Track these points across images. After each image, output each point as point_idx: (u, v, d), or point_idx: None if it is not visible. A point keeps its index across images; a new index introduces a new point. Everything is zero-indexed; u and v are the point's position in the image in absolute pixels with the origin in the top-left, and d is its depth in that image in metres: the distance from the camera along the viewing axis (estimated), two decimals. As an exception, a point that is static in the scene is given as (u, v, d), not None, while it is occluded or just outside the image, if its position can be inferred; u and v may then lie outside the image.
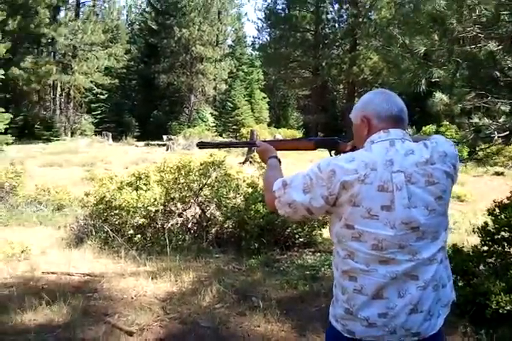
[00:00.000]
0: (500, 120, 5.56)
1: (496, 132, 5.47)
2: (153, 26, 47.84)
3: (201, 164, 7.09)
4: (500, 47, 5.07)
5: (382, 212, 1.74)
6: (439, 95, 5.70)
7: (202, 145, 2.66)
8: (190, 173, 6.99)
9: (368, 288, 1.76)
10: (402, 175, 1.75)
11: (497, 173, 17.89)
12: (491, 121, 5.58)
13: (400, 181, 1.75)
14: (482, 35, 5.20)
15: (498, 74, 5.05)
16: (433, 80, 5.51)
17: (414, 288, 1.76)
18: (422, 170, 1.78)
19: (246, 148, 21.57)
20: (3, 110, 24.43)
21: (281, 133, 42.45)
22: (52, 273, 5.42)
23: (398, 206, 1.74)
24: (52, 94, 41.10)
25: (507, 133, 5.50)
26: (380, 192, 1.74)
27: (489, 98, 5.39)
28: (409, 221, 1.75)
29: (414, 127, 5.91)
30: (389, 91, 2.02)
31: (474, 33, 5.17)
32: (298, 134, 42.11)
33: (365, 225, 1.75)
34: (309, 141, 2.47)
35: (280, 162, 2.29)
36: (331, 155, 2.25)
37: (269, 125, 47.16)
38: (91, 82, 40.38)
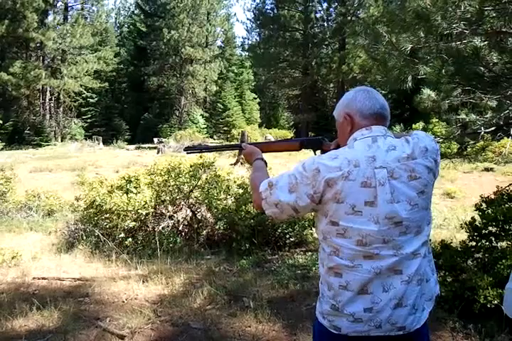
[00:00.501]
0: (487, 115, 5.59)
1: (482, 128, 5.49)
2: (142, 28, 47.84)
3: (191, 166, 7.08)
4: (485, 42, 5.09)
5: (365, 207, 1.76)
6: (426, 92, 5.73)
7: (188, 149, 2.68)
8: (181, 175, 6.97)
9: (353, 284, 1.78)
10: (385, 170, 1.78)
11: (486, 169, 17.97)
12: (478, 117, 5.61)
13: (383, 177, 1.77)
14: (467, 32, 5.21)
15: (482, 69, 5.07)
16: (420, 77, 5.53)
17: (399, 282, 1.78)
18: (403, 165, 1.80)
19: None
20: (-7, 116, 24.32)
21: (272, 134, 42.57)
22: (43, 278, 5.39)
23: (381, 201, 1.76)
24: (41, 98, 40.99)
25: (494, 128, 5.52)
26: (363, 188, 1.76)
27: (476, 94, 5.42)
28: (392, 216, 1.77)
29: (401, 124, 5.92)
30: (371, 89, 2.03)
31: (459, 30, 5.18)
32: (289, 134, 42.16)
33: (350, 221, 1.77)
34: (294, 142, 2.51)
35: (266, 164, 2.35)
36: (315, 155, 2.25)
37: (260, 125, 47.19)
38: (80, 85, 40.33)
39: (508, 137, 6.35)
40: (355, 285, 1.78)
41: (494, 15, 5.07)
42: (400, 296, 1.77)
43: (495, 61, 5.17)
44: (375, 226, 1.76)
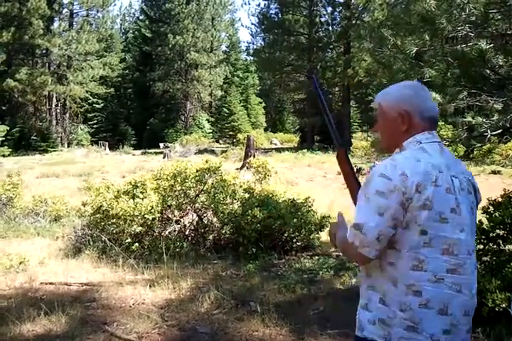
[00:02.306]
0: (494, 118, 5.57)
1: (489, 130, 5.47)
2: (147, 34, 48.05)
3: (197, 170, 7.08)
4: (490, 45, 5.08)
5: (451, 214, 1.69)
6: (432, 95, 5.72)
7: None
8: (187, 180, 6.97)
9: (433, 302, 1.67)
10: (458, 180, 1.75)
11: (494, 172, 17.92)
12: (484, 120, 5.59)
13: (457, 186, 1.74)
14: (472, 34, 5.20)
15: (488, 72, 5.06)
16: (425, 80, 5.52)
17: (472, 303, 1.76)
18: (465, 178, 1.79)
19: (243, 154, 21.63)
20: (-1, 122, 24.46)
21: (278, 138, 42.65)
22: (51, 283, 5.40)
23: (463, 209, 1.73)
24: (47, 104, 41.20)
25: (500, 131, 5.50)
26: (448, 195, 1.70)
27: (482, 96, 5.40)
28: (470, 226, 1.75)
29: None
30: (426, 88, 1.92)
31: (465, 32, 5.18)
32: (294, 138, 42.26)
33: (438, 229, 1.67)
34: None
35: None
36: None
37: (265, 130, 47.41)
38: (86, 91, 40.55)
39: (515, 140, 6.33)
40: (437, 303, 1.66)
41: (499, 17, 5.07)
42: (470, 319, 1.74)
43: (500, 64, 5.16)
44: (462, 235, 1.70)
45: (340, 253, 6.72)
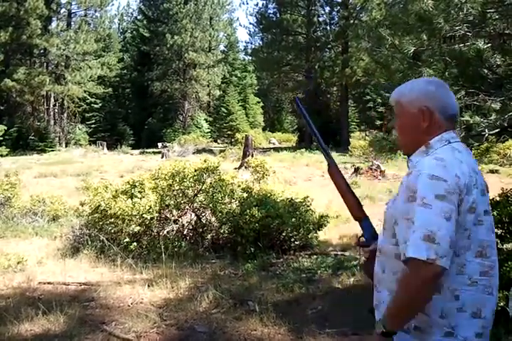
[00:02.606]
0: (491, 117, 5.58)
1: (486, 130, 5.48)
2: (145, 34, 47.98)
3: (195, 170, 7.08)
4: (488, 45, 5.09)
5: (485, 217, 1.66)
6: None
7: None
8: (185, 180, 6.97)
9: (468, 305, 1.63)
10: (483, 182, 1.73)
11: (491, 171, 17.93)
12: (482, 119, 5.60)
13: (483, 187, 1.72)
14: (470, 34, 5.21)
15: (486, 71, 5.07)
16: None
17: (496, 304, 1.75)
18: (483, 179, 1.75)
19: (241, 153, 21.63)
20: (-3, 122, 24.43)
21: (276, 138, 42.65)
22: (49, 283, 5.40)
23: (489, 210, 1.71)
24: (45, 104, 41.14)
25: (498, 130, 5.51)
26: (483, 197, 1.67)
27: (480, 96, 5.41)
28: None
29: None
30: (446, 84, 1.85)
31: (462, 32, 5.18)
32: (293, 138, 42.27)
33: (476, 232, 1.63)
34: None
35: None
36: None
37: (263, 129, 47.39)
38: (84, 91, 40.48)
39: (513, 139, 6.34)
40: (471, 306, 1.63)
41: (497, 17, 5.07)
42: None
43: (498, 63, 5.16)
44: (492, 236, 1.69)
45: (339, 253, 6.73)
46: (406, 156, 1.86)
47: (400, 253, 1.62)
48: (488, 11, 5.01)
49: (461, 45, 5.25)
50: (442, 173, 1.57)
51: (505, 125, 5.35)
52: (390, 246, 1.72)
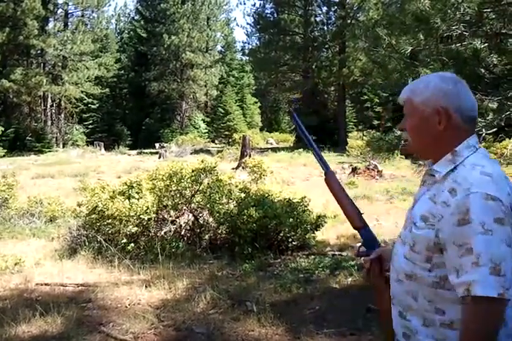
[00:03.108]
0: (489, 117, 5.58)
1: (484, 129, 5.49)
2: (142, 34, 47.98)
3: (193, 171, 7.08)
4: (485, 44, 5.10)
5: None
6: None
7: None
8: (182, 180, 6.97)
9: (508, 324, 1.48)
10: None
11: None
12: (479, 119, 5.61)
13: None
14: (467, 34, 5.22)
15: (483, 71, 5.08)
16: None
17: None
18: None
19: (239, 154, 21.62)
20: (-6, 123, 24.39)
21: (274, 138, 42.67)
22: (46, 284, 5.39)
23: None
24: (43, 105, 41.11)
25: (495, 129, 5.52)
26: None
27: (477, 95, 5.42)
28: None
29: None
30: (464, 81, 1.63)
31: (459, 32, 5.19)
32: (290, 138, 42.30)
33: None
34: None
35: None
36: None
37: (261, 129, 47.41)
38: (82, 92, 40.46)
39: (510, 138, 6.35)
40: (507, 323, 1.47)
41: (493, 17, 5.08)
42: None
43: (495, 63, 5.17)
44: None
45: (337, 253, 6.74)
46: (423, 160, 1.73)
47: (437, 281, 1.49)
48: (484, 10, 5.02)
49: (458, 44, 5.26)
50: (496, 192, 1.39)
51: (503, 124, 5.35)
52: (425, 273, 1.53)
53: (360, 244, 1.95)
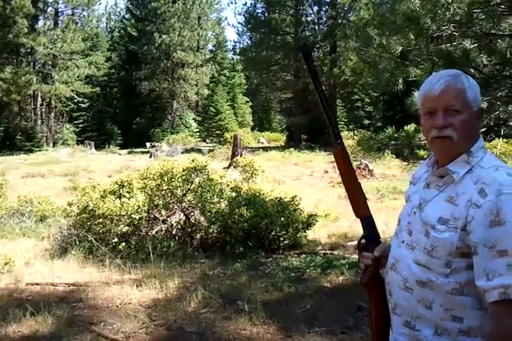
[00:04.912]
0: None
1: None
2: (133, 33, 47.81)
3: (184, 170, 7.08)
4: (475, 44, 5.13)
5: None
6: (417, 94, 5.77)
7: None
8: (173, 179, 6.97)
9: None
10: None
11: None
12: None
13: None
14: (457, 34, 5.25)
15: (472, 71, 5.11)
16: (410, 79, 5.56)
17: None
18: None
19: (230, 153, 21.62)
20: (-16, 122, 24.24)
21: (265, 137, 42.68)
22: (37, 284, 5.36)
23: None
24: (32, 104, 40.84)
25: (485, 129, 5.56)
26: None
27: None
28: None
29: (393, 127, 5.93)
30: None
31: (449, 32, 5.22)
32: (281, 137, 42.32)
33: None
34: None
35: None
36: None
37: (252, 129, 47.34)
38: (72, 90, 40.18)
39: (499, 138, 6.40)
40: None
41: (483, 17, 5.11)
42: None
43: (485, 63, 5.21)
44: None
45: (328, 252, 6.76)
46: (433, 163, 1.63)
47: (457, 287, 1.45)
48: (474, 10, 5.05)
49: (448, 44, 5.29)
50: None
51: (492, 124, 5.40)
52: (444, 279, 1.48)
53: (361, 236, 1.79)
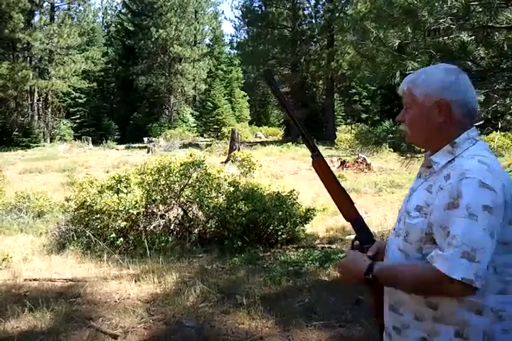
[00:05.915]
0: (476, 110, 5.63)
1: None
2: (129, 28, 47.61)
3: (181, 165, 7.06)
4: (472, 37, 5.12)
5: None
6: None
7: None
8: (171, 174, 6.95)
9: None
10: None
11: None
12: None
13: None
14: (454, 27, 5.23)
15: (470, 64, 5.10)
16: (408, 72, 5.54)
17: None
18: None
19: (228, 148, 21.60)
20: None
21: (263, 131, 42.67)
22: (35, 279, 5.36)
23: None
24: (29, 99, 40.73)
25: (482, 122, 5.56)
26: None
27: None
28: None
29: (391, 120, 5.92)
30: (465, 73, 1.60)
31: (446, 25, 5.20)
32: (279, 131, 42.33)
33: None
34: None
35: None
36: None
37: (250, 123, 47.34)
38: (69, 86, 40.08)
39: (497, 131, 6.41)
40: None
41: (480, 10, 5.09)
42: None
43: (482, 56, 5.20)
44: None
45: (326, 246, 6.76)
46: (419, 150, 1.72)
47: None
48: (471, 3, 5.03)
49: (446, 37, 5.27)
50: (492, 181, 1.38)
51: (489, 117, 5.39)
52: None
53: (353, 237, 1.85)
